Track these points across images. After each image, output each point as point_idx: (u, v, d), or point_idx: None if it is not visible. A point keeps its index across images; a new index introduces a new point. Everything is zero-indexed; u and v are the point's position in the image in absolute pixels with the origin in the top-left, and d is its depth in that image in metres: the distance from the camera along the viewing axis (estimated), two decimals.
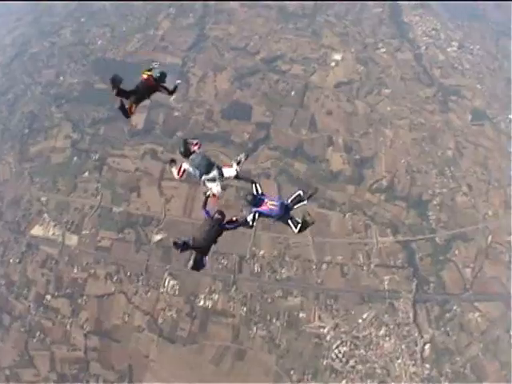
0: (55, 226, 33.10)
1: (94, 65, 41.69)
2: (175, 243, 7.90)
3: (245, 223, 8.51)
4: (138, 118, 35.45)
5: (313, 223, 8.60)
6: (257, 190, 8.68)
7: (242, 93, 36.16)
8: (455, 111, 36.22)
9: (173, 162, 8.88)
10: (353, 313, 29.45)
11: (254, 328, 29.05)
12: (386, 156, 32.59)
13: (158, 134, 34.25)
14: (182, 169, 8.52)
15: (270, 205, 8.36)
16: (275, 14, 41.28)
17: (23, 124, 38.55)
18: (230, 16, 42.72)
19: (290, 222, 8.53)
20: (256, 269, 29.74)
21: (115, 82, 8.53)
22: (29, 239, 33.23)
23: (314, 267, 29.67)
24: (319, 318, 29.24)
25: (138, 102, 8.97)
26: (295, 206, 8.66)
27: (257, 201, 8.43)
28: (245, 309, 29.15)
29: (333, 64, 36.65)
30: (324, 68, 36.62)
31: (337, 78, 35.90)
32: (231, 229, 8.41)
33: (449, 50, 39.70)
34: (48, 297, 31.65)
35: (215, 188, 8.34)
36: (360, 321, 29.46)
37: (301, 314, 29.16)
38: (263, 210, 8.36)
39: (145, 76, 9.05)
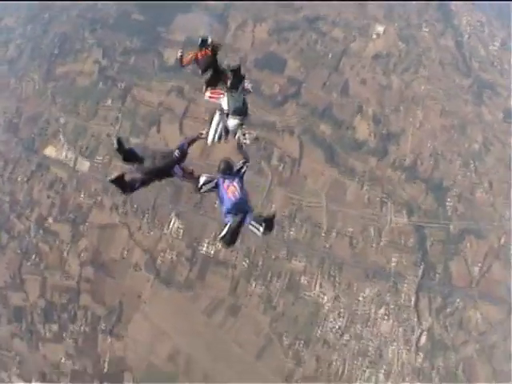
0: (69, 149, 32.51)
1: None
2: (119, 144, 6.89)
3: (194, 182, 7.34)
4: (172, 52, 34.00)
5: (273, 216, 7.04)
6: (239, 170, 7.25)
7: (278, 46, 35.16)
8: (488, 106, 35.12)
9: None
10: (355, 287, 28.79)
11: (254, 284, 28.38)
12: (413, 136, 31.67)
13: (188, 73, 32.78)
14: (217, 93, 7.84)
15: (231, 190, 6.88)
16: None
17: (54, 44, 37.70)
18: None
19: (250, 227, 6.75)
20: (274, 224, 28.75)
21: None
22: (40, 159, 32.67)
23: (323, 234, 28.92)
24: (320, 286, 28.54)
25: (212, 83, 8.13)
26: (250, 227, 6.87)
27: (226, 175, 7.03)
28: (247, 261, 28.49)
29: (374, 35, 35.63)
30: (365, 37, 35.58)
31: (376, 49, 34.88)
32: (177, 176, 7.28)
33: (490, 46, 38.53)
34: (50, 220, 31.04)
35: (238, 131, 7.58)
36: (361, 297, 28.78)
37: (302, 279, 28.50)
38: (221, 188, 6.99)
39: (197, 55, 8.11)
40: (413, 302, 29.27)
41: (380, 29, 35.46)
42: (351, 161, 30.71)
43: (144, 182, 7.01)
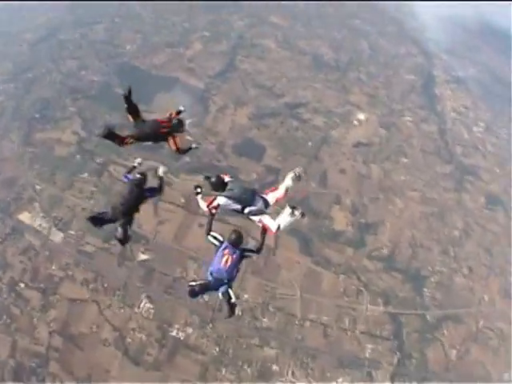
0: (44, 217, 32.28)
1: (118, 68, 41.44)
2: (91, 218, 7.47)
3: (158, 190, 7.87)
4: None
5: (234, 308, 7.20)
6: (246, 250, 7.14)
7: (258, 132, 35.67)
8: (469, 192, 35.90)
9: (198, 189, 7.59)
10: (328, 375, 28.48)
11: (223, 370, 28.17)
12: (392, 225, 32.04)
13: (165, 154, 33.57)
14: (216, 203, 7.29)
15: (226, 258, 6.93)
16: (308, 60, 41.41)
17: (35, 108, 37.97)
18: (262, 52, 42.68)
19: (220, 296, 7.00)
20: (237, 312, 29.03)
21: (127, 97, 7.86)
22: (15, 223, 32.41)
23: (297, 323, 28.78)
24: (293, 374, 28.34)
25: (140, 139, 8.02)
26: (220, 296, 7.12)
27: (232, 245, 7.01)
28: (217, 349, 28.11)
29: (355, 123, 36.59)
30: (346, 125, 36.45)
31: (357, 137, 35.73)
32: (150, 196, 7.76)
33: (475, 129, 39.73)
34: (22, 285, 30.54)
35: (269, 221, 7.04)
36: None
37: (274, 367, 28.16)
38: (219, 250, 7.03)
39: (161, 118, 8.11)
40: None
41: (362, 116, 36.33)
42: (327, 251, 30.87)
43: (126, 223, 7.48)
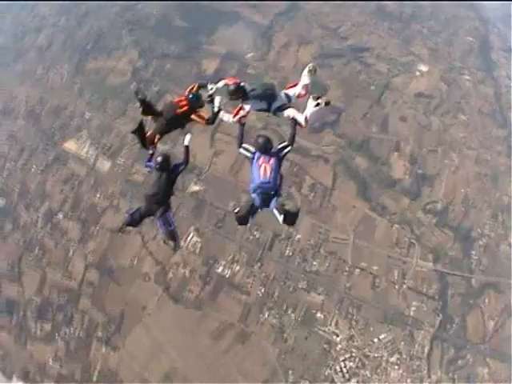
0: (91, 146, 31.38)
1: (178, 1, 39.61)
2: (126, 223, 7.04)
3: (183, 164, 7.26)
4: (211, 63, 33.94)
5: (297, 212, 6.60)
6: (280, 150, 6.79)
7: (321, 71, 33.91)
8: None
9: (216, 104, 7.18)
10: (371, 329, 27.38)
11: (266, 313, 26.89)
12: (448, 180, 30.83)
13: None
14: (244, 111, 6.92)
15: (264, 168, 6.46)
16: (372, 8, 39.85)
17: (89, 38, 37.14)
18: None
19: (274, 211, 6.44)
20: (287, 252, 27.67)
21: (139, 94, 7.05)
22: (58, 152, 31.57)
23: (347, 269, 27.65)
24: (336, 323, 27.13)
25: (163, 131, 7.30)
26: (274, 211, 6.46)
27: (263, 152, 6.60)
28: (263, 290, 27.03)
29: (418, 73, 35.29)
30: (408, 74, 35.19)
31: (419, 87, 34.38)
32: (179, 173, 7.20)
33: None
34: (60, 215, 29.70)
35: (297, 114, 6.86)
36: (376, 340, 27.41)
37: (318, 314, 27.06)
38: (254, 163, 6.58)
39: (177, 99, 7.33)
40: (426, 353, 27.98)
41: (424, 68, 35.07)
42: (383, 198, 29.62)
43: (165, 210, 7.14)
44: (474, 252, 30.39)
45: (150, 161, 7.37)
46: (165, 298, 27.35)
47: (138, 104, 7.11)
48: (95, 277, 28.37)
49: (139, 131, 7.12)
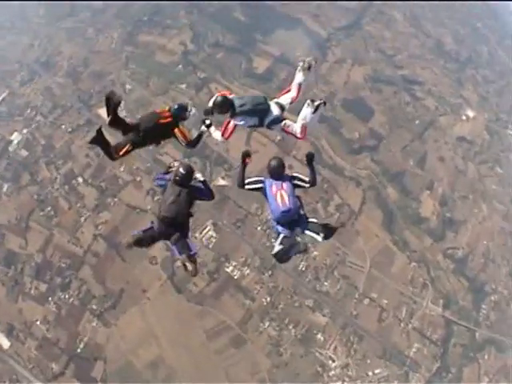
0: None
1: None
2: (136, 241, 5.82)
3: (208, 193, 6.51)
4: (263, 62, 33.73)
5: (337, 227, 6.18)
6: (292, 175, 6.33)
7: (370, 94, 34.32)
8: None
9: (207, 121, 6.52)
10: (368, 361, 26.85)
11: (267, 323, 26.34)
12: (473, 229, 30.55)
13: (273, 87, 31.68)
14: (232, 124, 6.26)
15: (280, 196, 6.00)
16: (431, 44, 40.30)
17: (146, 10, 36.74)
18: (389, 21, 41.31)
19: (308, 232, 6.04)
20: (301, 266, 27.17)
21: (112, 99, 6.10)
22: (92, 116, 30.85)
23: (357, 296, 27.21)
24: (335, 349, 26.57)
25: (139, 143, 6.34)
26: (308, 232, 6.04)
27: (274, 177, 6.17)
28: (268, 299, 26.50)
29: (464, 117, 35.37)
30: (454, 116, 35.23)
31: (462, 131, 34.38)
32: (206, 193, 6.35)
33: None
34: (80, 179, 29.16)
35: (292, 126, 6.31)
36: (370, 373, 26.82)
37: (319, 335, 26.53)
38: (268, 192, 6.15)
39: (159, 110, 6.58)
40: None
41: (471, 113, 35.01)
42: (407, 233, 29.38)
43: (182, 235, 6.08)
44: (484, 306, 30.09)
45: (166, 174, 6.42)
46: (168, 285, 26.75)
47: (106, 113, 6.20)
48: (102, 248, 27.75)
49: (99, 140, 6.21)
